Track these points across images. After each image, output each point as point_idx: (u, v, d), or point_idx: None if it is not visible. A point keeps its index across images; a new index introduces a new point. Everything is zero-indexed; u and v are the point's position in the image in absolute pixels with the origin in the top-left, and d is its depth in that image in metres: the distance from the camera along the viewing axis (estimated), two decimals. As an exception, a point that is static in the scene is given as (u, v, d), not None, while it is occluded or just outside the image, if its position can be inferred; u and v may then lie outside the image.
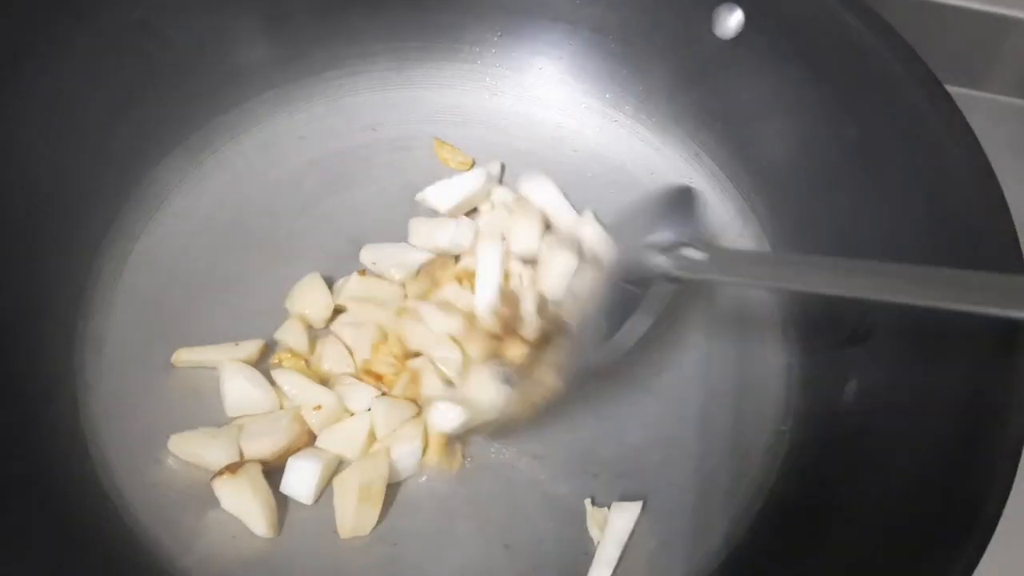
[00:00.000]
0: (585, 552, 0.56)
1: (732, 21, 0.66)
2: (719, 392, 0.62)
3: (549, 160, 0.71)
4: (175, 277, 0.63)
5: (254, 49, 0.68)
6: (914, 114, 0.58)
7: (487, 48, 0.73)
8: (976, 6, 0.75)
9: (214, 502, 0.55)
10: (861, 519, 0.52)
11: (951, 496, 0.47)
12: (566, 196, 0.69)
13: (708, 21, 0.66)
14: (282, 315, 0.62)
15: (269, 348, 0.61)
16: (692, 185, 0.70)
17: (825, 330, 0.62)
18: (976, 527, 0.44)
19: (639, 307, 0.54)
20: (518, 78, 0.74)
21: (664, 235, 0.54)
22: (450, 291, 0.62)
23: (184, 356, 0.59)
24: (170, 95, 0.65)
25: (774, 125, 0.67)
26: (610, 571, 0.55)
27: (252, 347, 0.60)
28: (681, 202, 0.57)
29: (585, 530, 0.57)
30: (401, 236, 0.66)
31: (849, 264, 0.51)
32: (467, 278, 0.62)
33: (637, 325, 0.54)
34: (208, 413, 0.58)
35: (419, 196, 0.67)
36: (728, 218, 0.69)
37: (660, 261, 0.53)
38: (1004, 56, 0.79)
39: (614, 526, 0.56)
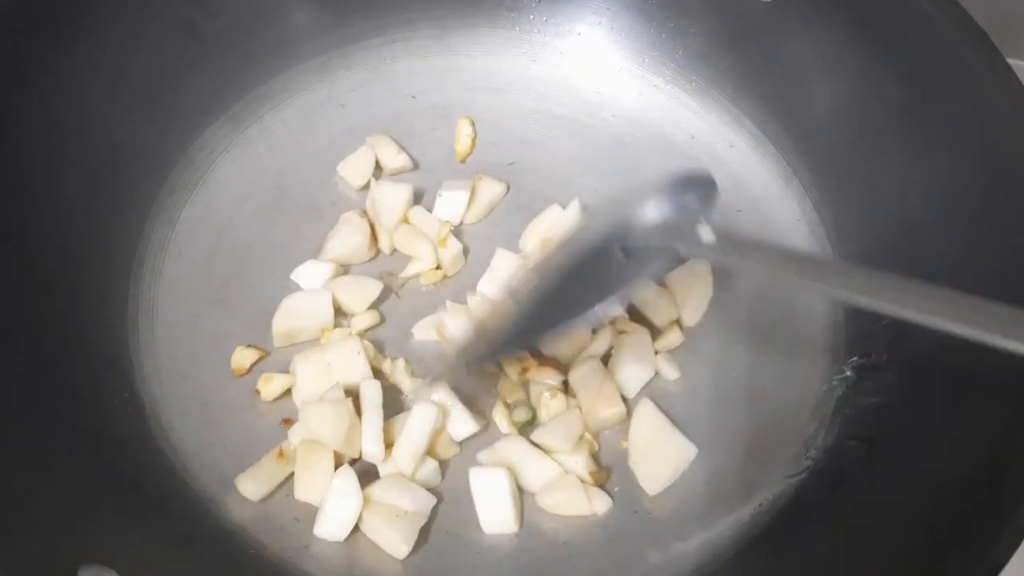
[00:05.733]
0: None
1: (774, -19, 0.65)
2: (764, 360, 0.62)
3: (588, 126, 0.71)
4: (221, 242, 0.64)
5: (298, 18, 0.68)
6: (961, 70, 0.57)
7: (525, 15, 0.73)
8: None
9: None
10: (899, 499, 0.52)
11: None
12: (605, 162, 0.69)
13: (749, -18, 0.66)
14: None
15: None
16: (733, 148, 0.70)
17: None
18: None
19: (630, 278, 0.50)
20: (557, 44, 0.74)
21: (676, 210, 0.50)
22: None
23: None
24: (215, 64, 0.66)
25: (816, 87, 0.66)
26: None
27: None
28: (697, 186, 0.52)
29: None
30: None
31: (869, 274, 0.43)
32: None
33: (621, 297, 0.50)
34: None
35: None
36: (770, 180, 0.69)
37: (667, 233, 0.49)
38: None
39: None
